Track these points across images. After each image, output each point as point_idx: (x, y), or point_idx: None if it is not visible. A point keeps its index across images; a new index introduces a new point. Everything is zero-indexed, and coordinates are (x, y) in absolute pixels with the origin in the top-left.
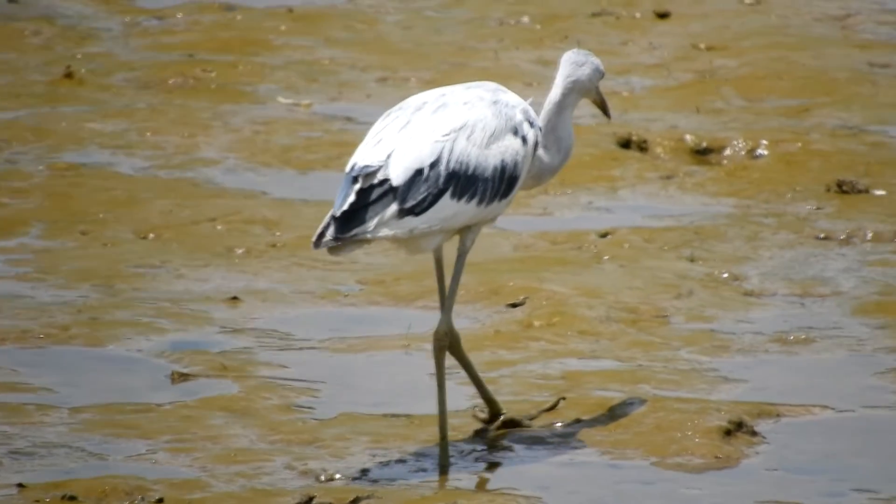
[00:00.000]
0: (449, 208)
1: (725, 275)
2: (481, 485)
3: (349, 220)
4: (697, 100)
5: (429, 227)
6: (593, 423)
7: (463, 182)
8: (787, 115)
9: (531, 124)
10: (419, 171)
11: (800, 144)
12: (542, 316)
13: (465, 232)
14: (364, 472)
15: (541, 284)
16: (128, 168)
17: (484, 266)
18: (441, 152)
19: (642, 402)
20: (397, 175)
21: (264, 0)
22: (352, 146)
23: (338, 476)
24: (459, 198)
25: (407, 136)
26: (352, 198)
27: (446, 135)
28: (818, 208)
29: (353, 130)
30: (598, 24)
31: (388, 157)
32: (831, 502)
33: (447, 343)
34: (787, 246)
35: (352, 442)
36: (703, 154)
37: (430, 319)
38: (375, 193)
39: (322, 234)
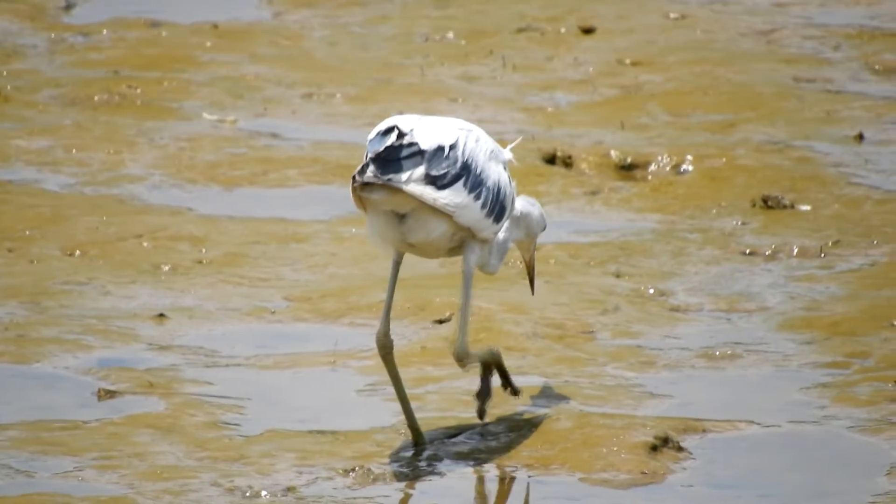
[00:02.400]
0: (462, 196)
1: (651, 290)
2: (406, 501)
3: (387, 164)
4: (623, 115)
5: (444, 206)
6: (519, 438)
7: (474, 177)
8: (712, 131)
9: (503, 166)
10: (442, 148)
11: (725, 160)
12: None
13: (466, 250)
14: (290, 489)
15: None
16: (54, 185)
17: (410, 282)
18: (458, 139)
19: (568, 418)
20: (425, 142)
21: (189, 16)
22: (277, 162)
23: (264, 493)
24: (470, 191)
25: (425, 120)
26: (391, 139)
27: (461, 129)
28: (744, 224)
29: (279, 146)
30: (523, 39)
31: (412, 130)
32: None
33: (466, 358)
34: (713, 261)
35: (278, 459)
36: (628, 170)
37: (356, 336)
38: (406, 151)
39: (363, 170)
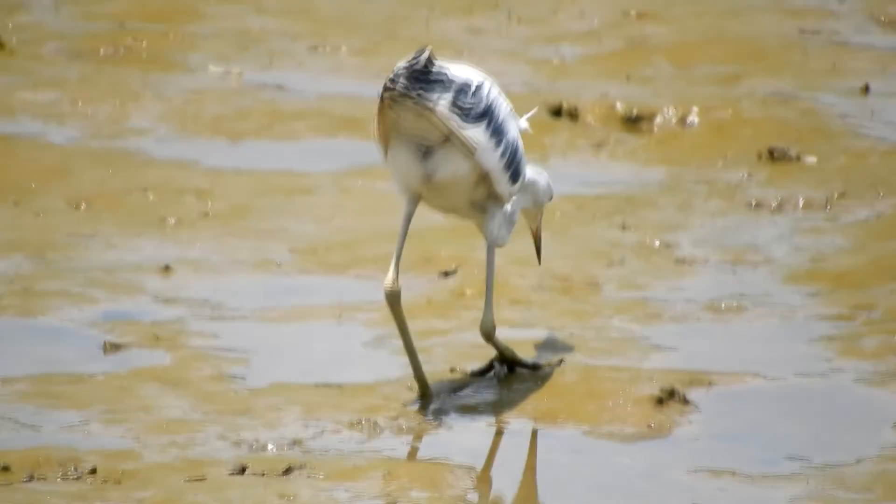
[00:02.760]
0: (482, 137)
1: (657, 243)
2: (413, 454)
3: (417, 81)
4: (628, 67)
5: (469, 139)
6: (525, 391)
7: (495, 124)
8: (717, 83)
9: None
10: (469, 83)
11: (731, 112)
12: (474, 284)
13: (487, 216)
14: (296, 441)
15: (473, 253)
16: (59, 138)
17: (416, 234)
18: (484, 83)
19: (574, 371)
20: (454, 73)
21: None
22: (283, 115)
23: (270, 446)
24: (491, 136)
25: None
26: (425, 54)
27: (485, 77)
28: (750, 176)
29: (285, 99)
30: None
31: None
32: (764, 470)
33: (493, 333)
34: (719, 214)
35: (284, 412)
36: (634, 122)
37: (362, 288)
38: (435, 77)
39: (395, 81)
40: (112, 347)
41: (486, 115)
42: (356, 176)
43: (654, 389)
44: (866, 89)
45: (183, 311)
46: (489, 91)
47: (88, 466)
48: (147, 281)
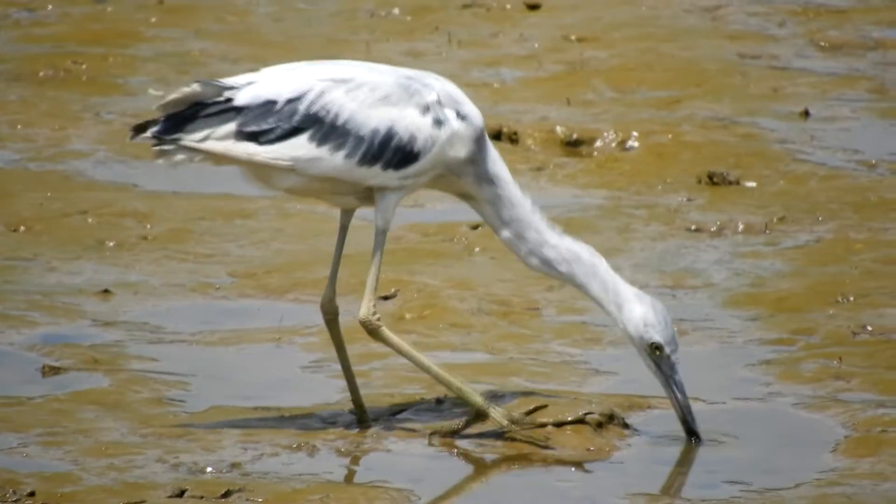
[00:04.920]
0: (305, 150)
1: None
2: (351, 477)
3: (178, 123)
4: (568, 91)
5: (274, 160)
6: (464, 415)
7: (327, 129)
8: (657, 107)
9: (460, 116)
10: (270, 102)
11: (671, 136)
12: (413, 308)
13: (376, 201)
14: (235, 465)
15: (412, 277)
16: None
17: (355, 258)
18: (306, 93)
19: (514, 394)
20: (243, 98)
21: None
22: None
23: (209, 469)
24: (321, 144)
25: (281, 72)
26: (185, 95)
27: (321, 80)
28: (689, 200)
29: None
30: (469, 15)
31: (249, 83)
32: (703, 494)
33: (378, 323)
34: (659, 238)
35: (223, 435)
36: (573, 146)
37: (301, 312)
38: (214, 108)
39: (144, 127)
40: (51, 370)
41: (306, 125)
42: (295, 199)
43: (593, 413)
44: (806, 114)
45: (122, 334)
46: (316, 97)
47: (27, 489)
48: (86, 304)
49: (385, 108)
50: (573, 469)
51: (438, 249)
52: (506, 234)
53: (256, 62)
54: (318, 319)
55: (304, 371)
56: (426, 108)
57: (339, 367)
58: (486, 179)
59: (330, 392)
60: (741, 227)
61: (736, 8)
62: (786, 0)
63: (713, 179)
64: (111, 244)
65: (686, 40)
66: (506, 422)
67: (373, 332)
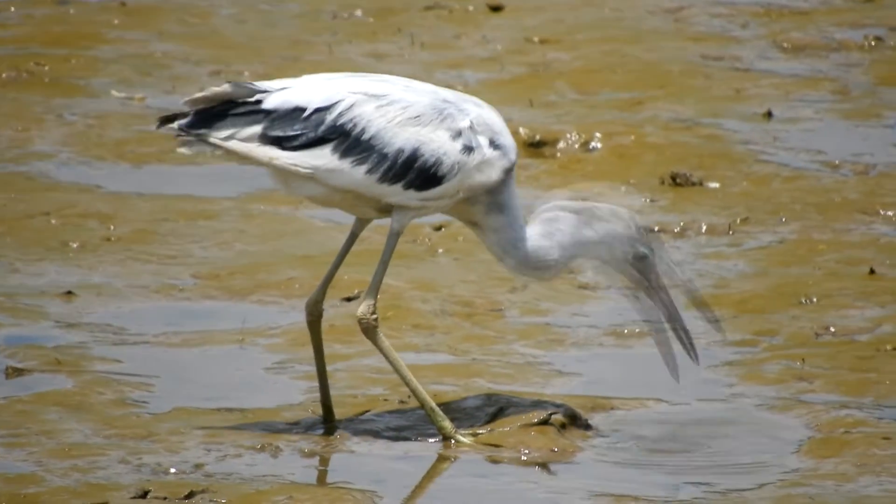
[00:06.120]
0: (326, 160)
1: None
2: (315, 478)
3: (206, 119)
4: (531, 93)
5: (294, 166)
6: (427, 416)
7: (352, 143)
8: (620, 108)
9: (494, 145)
10: (299, 109)
11: (633, 137)
12: (376, 310)
13: (395, 213)
14: (199, 466)
15: None
16: None
17: (319, 259)
18: (336, 104)
19: (477, 396)
20: (272, 102)
21: None
22: None
23: (172, 470)
24: (343, 156)
25: (317, 81)
26: (215, 94)
27: (354, 93)
28: (652, 201)
29: None
30: (432, 17)
31: (282, 88)
32: (666, 495)
33: (375, 323)
34: None
35: (186, 436)
36: (536, 147)
37: (265, 313)
38: (243, 109)
39: (170, 119)
40: (14, 372)
41: (331, 135)
42: (258, 200)
43: (557, 414)
44: (769, 115)
45: (85, 335)
46: (346, 109)
47: None
48: (49, 305)
49: (414, 129)
50: (537, 470)
51: (402, 250)
52: (511, 262)
53: (219, 64)
54: (282, 321)
55: (267, 372)
56: (458, 134)
57: (303, 368)
58: (498, 209)
59: (293, 393)
60: (704, 228)
61: (699, 9)
62: (749, 1)
63: (676, 180)
64: (75, 245)
65: (649, 42)
66: (471, 441)
67: (367, 330)
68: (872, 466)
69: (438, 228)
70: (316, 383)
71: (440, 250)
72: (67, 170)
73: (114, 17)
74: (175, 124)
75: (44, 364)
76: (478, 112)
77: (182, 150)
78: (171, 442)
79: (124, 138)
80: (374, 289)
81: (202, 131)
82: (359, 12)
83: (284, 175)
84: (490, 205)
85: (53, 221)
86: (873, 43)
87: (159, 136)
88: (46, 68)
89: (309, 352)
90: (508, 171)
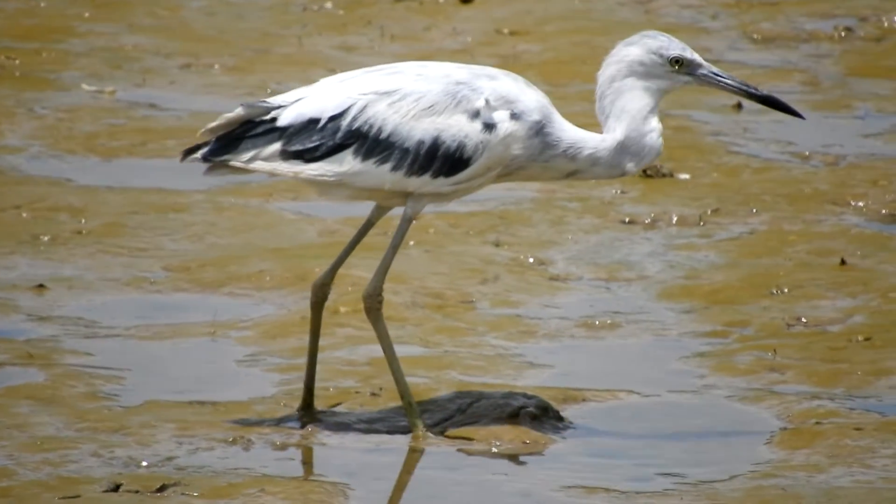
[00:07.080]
0: (350, 165)
1: (531, 259)
2: (287, 471)
3: (227, 144)
4: None
5: (320, 176)
6: (399, 409)
7: (371, 144)
8: (590, 100)
9: (514, 115)
10: (314, 120)
11: None
12: (348, 302)
13: (410, 199)
14: (170, 459)
15: (346, 270)
16: None
17: (289, 252)
18: (349, 109)
19: (448, 388)
20: (286, 118)
21: None
22: (156, 133)
23: (144, 463)
24: (366, 158)
25: (328, 87)
26: (229, 121)
27: (364, 94)
28: (622, 193)
29: (157, 117)
30: (402, 9)
31: (295, 101)
32: (637, 486)
33: (379, 304)
34: (592, 230)
35: (158, 429)
36: None
37: (236, 306)
38: (260, 129)
39: (193, 150)
40: None
41: (349, 141)
42: (229, 193)
43: (528, 406)
44: (739, 106)
45: (57, 328)
46: (359, 112)
47: None
48: (21, 299)
49: (430, 119)
50: (509, 462)
51: (373, 242)
52: (630, 166)
53: (189, 56)
54: (253, 313)
55: (239, 365)
56: (475, 114)
57: (274, 360)
58: (567, 158)
59: (265, 386)
60: (675, 219)
61: (669, 1)
62: None
63: (647, 172)
64: (46, 239)
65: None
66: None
67: (370, 310)
68: (844, 457)
69: None
70: (288, 375)
71: (411, 242)
72: (38, 163)
73: (84, 10)
74: (198, 154)
75: (15, 357)
76: (492, 87)
77: (210, 176)
78: (142, 435)
79: (95, 131)
80: (383, 271)
81: (225, 157)
82: (329, 4)
83: (316, 184)
84: (560, 157)
85: (24, 215)
86: (843, 34)
87: (129, 129)
88: (17, 62)
89: (281, 344)
90: (540, 129)
